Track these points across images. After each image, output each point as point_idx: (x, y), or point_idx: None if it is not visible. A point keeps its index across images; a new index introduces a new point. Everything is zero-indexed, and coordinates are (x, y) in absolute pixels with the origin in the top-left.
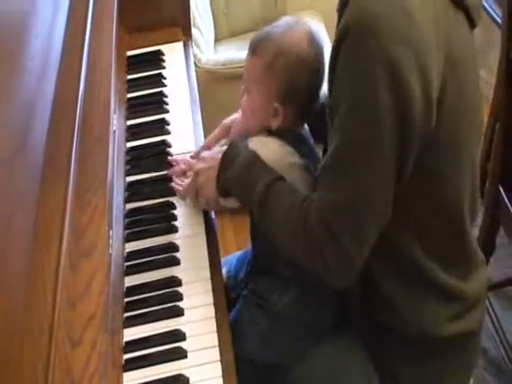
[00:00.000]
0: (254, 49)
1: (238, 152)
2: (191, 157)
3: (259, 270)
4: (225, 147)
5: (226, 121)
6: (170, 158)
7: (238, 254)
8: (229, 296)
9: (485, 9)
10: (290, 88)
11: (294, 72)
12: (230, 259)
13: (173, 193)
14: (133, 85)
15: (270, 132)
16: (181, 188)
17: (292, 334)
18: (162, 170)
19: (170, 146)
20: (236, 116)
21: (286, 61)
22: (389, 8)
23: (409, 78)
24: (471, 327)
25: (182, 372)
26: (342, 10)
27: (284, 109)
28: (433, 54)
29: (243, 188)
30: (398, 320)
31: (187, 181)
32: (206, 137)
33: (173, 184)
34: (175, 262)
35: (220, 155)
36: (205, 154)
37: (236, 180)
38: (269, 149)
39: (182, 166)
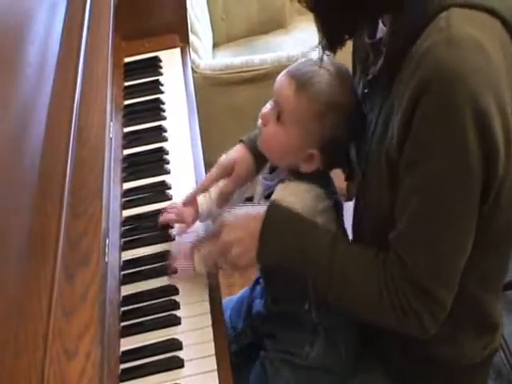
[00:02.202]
0: (302, 87)
1: (277, 216)
2: (184, 203)
3: (277, 320)
4: (242, 205)
5: (223, 160)
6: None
7: (230, 302)
8: (229, 349)
9: None
10: (333, 139)
11: (341, 126)
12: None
13: (169, 199)
14: (130, 91)
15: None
16: (190, 267)
17: (326, 380)
18: (159, 177)
19: (167, 153)
20: (234, 155)
21: (336, 115)
22: (468, 50)
23: (495, 127)
24: (497, 345)
25: (179, 382)
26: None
27: (320, 155)
28: (506, 93)
29: (297, 258)
30: (434, 351)
31: (200, 255)
32: (203, 145)
33: (177, 266)
34: (173, 271)
35: (248, 220)
36: (227, 217)
37: (286, 251)
38: (301, 198)
39: (172, 216)
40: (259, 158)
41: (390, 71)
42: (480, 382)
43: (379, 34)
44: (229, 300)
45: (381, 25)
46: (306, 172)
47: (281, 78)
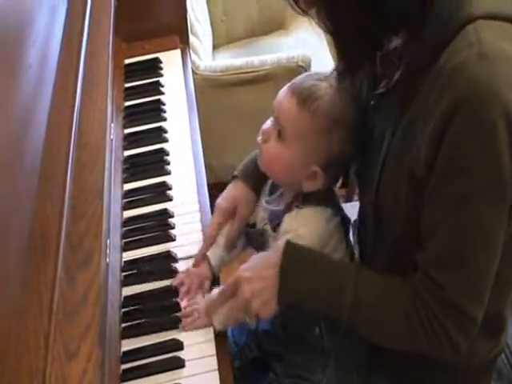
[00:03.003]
0: (304, 102)
1: (293, 259)
2: (195, 265)
3: (285, 340)
4: (254, 253)
5: (223, 204)
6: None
7: None
8: (232, 364)
9: None
10: (336, 155)
11: (343, 141)
12: None
13: (169, 200)
14: (130, 93)
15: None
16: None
17: None
18: (159, 178)
19: (167, 154)
20: (233, 195)
21: (338, 130)
22: (500, 65)
23: None
24: (503, 346)
25: (180, 382)
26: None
27: (323, 173)
28: None
29: (320, 299)
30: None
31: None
32: (203, 146)
33: (186, 318)
34: (173, 272)
35: (264, 269)
36: (242, 272)
37: (308, 293)
38: (313, 226)
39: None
40: (259, 189)
41: (409, 85)
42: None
43: (393, 45)
44: None
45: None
46: (309, 191)
47: (282, 93)
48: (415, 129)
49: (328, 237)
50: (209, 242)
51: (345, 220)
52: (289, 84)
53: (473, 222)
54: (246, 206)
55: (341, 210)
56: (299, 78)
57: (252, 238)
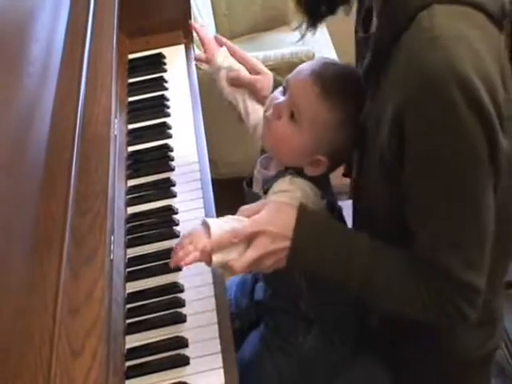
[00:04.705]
0: (327, 96)
1: (309, 224)
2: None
3: (275, 309)
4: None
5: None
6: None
7: (236, 279)
8: (233, 324)
9: None
10: (343, 150)
11: (353, 135)
12: (228, 284)
13: (173, 196)
14: (134, 88)
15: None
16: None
17: (319, 375)
18: (163, 174)
19: (171, 150)
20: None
21: (352, 125)
22: (452, 47)
23: (482, 95)
24: (498, 343)
25: (185, 379)
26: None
27: (327, 163)
28: (499, 89)
29: (333, 267)
30: (430, 343)
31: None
32: (207, 141)
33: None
34: (177, 268)
35: (282, 227)
36: (269, 223)
37: (322, 258)
38: (307, 195)
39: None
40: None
41: (377, 67)
42: (484, 380)
43: (373, 29)
44: (232, 280)
45: (375, 18)
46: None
47: (301, 76)
48: (384, 114)
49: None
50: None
51: (333, 207)
52: (309, 67)
53: (458, 195)
54: (266, 86)
55: (330, 195)
56: (320, 65)
57: (248, 198)
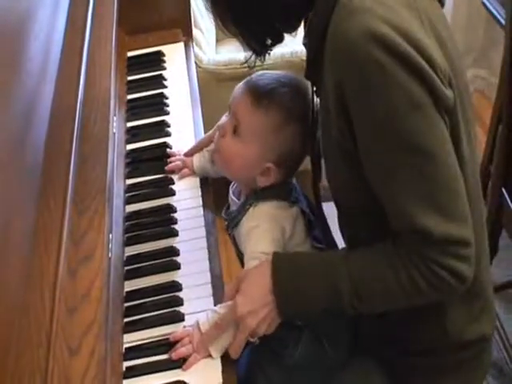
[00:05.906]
0: (259, 102)
1: (283, 277)
2: (185, 154)
3: None
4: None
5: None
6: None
7: None
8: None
9: (486, 7)
10: (290, 152)
11: (299, 139)
12: None
13: (172, 194)
14: (133, 86)
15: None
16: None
17: (314, 382)
18: (162, 173)
19: (170, 148)
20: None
21: (293, 127)
22: (369, 10)
23: (404, 46)
24: (487, 330)
25: (183, 379)
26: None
27: (276, 169)
28: (424, 39)
29: (321, 300)
30: (420, 330)
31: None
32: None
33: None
34: (175, 267)
35: (258, 297)
36: (243, 303)
37: (309, 302)
38: (270, 217)
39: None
40: None
41: (313, 66)
42: (478, 378)
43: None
44: None
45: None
46: (263, 186)
47: (238, 90)
48: (327, 98)
49: (291, 225)
50: (198, 145)
51: (303, 211)
52: (244, 81)
53: (410, 147)
54: None
55: (299, 202)
56: (255, 75)
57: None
